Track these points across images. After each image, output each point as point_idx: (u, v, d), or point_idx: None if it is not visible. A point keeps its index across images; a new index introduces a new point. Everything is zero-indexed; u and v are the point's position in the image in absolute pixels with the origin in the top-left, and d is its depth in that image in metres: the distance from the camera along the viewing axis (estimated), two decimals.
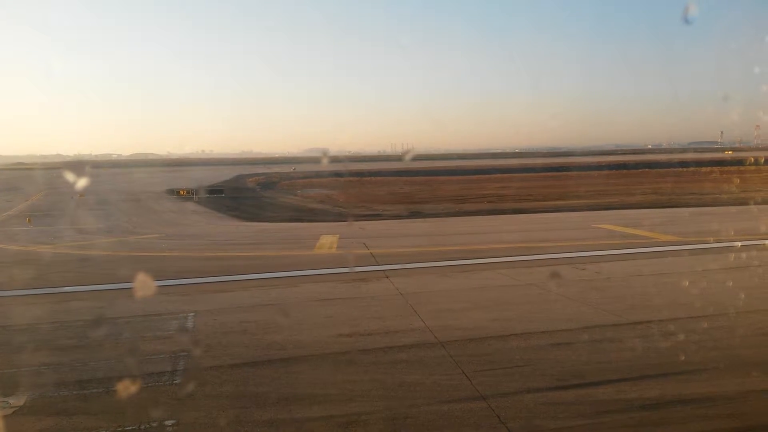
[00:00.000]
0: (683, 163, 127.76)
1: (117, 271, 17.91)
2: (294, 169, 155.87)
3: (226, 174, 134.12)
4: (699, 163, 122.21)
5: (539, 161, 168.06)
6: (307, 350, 9.25)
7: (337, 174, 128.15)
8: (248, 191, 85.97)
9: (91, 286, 15.11)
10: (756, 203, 36.15)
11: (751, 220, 27.41)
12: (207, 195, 70.50)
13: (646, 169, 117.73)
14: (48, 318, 11.56)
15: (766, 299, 12.08)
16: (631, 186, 73.72)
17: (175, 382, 7.97)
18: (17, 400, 7.38)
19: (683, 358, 8.54)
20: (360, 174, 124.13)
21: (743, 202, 38.52)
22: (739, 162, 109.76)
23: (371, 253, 19.12)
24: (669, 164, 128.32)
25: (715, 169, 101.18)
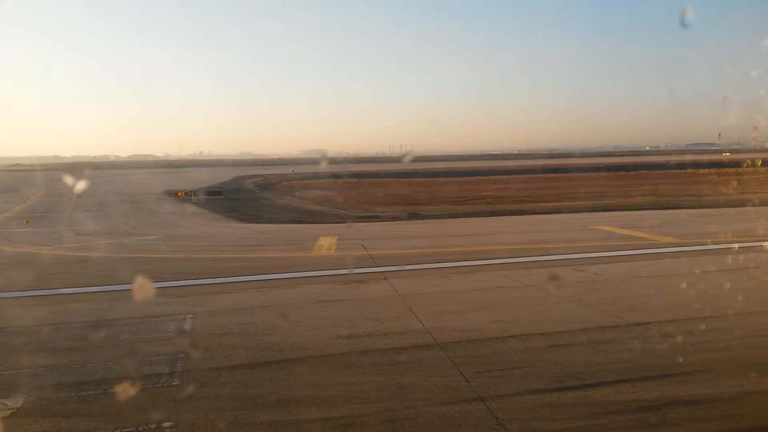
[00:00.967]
0: (681, 165, 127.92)
1: (115, 272, 17.90)
2: (293, 170, 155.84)
3: (224, 175, 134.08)
4: (697, 165, 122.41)
5: (538, 162, 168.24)
6: (306, 352, 9.24)
7: (336, 175, 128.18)
8: (247, 193, 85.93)
9: (89, 288, 15.09)
10: (753, 205, 36.20)
11: (749, 222, 27.46)
12: (205, 196, 70.46)
13: (645, 171, 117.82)
14: (46, 320, 11.54)
15: (764, 301, 12.08)
16: (629, 187, 73.77)
17: (173, 383, 7.96)
18: (15, 402, 7.36)
19: (682, 359, 8.54)
20: (358, 175, 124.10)
21: (741, 204, 38.58)
22: (737, 164, 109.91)
23: (370, 255, 19.12)
24: (667, 166, 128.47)
25: (713, 170, 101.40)
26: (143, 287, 14.08)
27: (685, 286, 13.48)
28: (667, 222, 28.16)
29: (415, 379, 7.94)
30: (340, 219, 44.06)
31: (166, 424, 6.72)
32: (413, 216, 44.15)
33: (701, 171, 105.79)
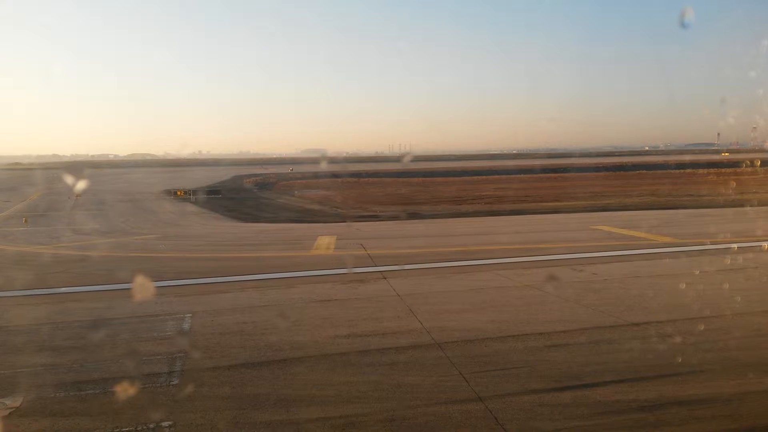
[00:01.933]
0: (680, 165, 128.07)
1: (114, 271, 17.88)
2: (291, 169, 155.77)
3: (223, 174, 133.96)
4: (696, 165, 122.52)
5: (537, 162, 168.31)
6: (305, 351, 9.24)
7: (335, 175, 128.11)
8: (245, 192, 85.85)
9: (88, 287, 15.08)
10: (752, 205, 36.24)
11: (747, 222, 27.50)
12: (204, 196, 70.39)
13: (643, 171, 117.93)
14: (45, 319, 11.54)
15: (762, 301, 12.10)
16: (628, 187, 73.81)
17: (172, 383, 7.96)
18: (14, 401, 7.36)
19: (680, 359, 8.56)
20: (357, 175, 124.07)
21: (739, 204, 38.63)
22: (736, 164, 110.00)
23: (368, 254, 19.12)
24: (666, 166, 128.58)
25: (712, 170, 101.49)
26: (142, 286, 14.08)
27: (683, 286, 13.49)
28: (665, 222, 28.19)
29: (414, 379, 7.95)
30: (339, 218, 44.04)
31: (164, 424, 6.72)
32: (412, 216, 44.14)
33: (700, 171, 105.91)
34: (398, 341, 9.63)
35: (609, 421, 6.66)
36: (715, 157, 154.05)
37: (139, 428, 6.61)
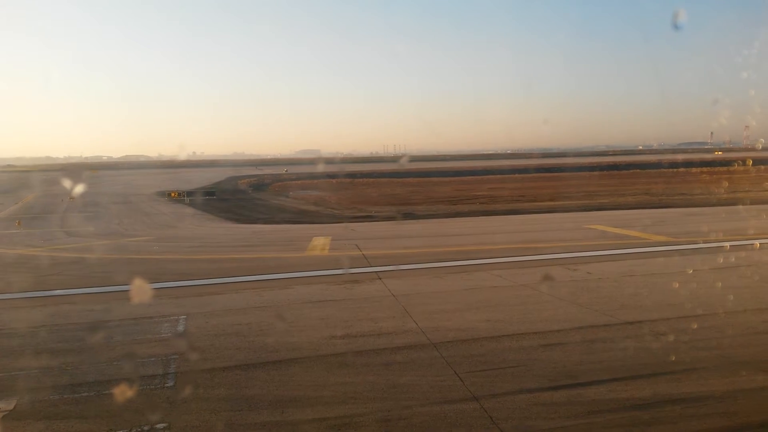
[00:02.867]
0: (674, 164, 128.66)
1: (107, 274, 17.84)
2: (286, 170, 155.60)
3: (217, 176, 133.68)
4: (689, 164, 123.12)
5: (532, 162, 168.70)
6: (300, 352, 9.23)
7: (330, 175, 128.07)
8: (240, 193, 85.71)
9: (82, 290, 15.01)
10: (744, 204, 36.45)
11: (740, 221, 27.65)
12: (198, 197, 70.24)
13: (637, 170, 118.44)
14: (39, 321, 11.49)
15: (755, 299, 12.17)
16: (622, 187, 74.13)
17: (167, 385, 7.94)
18: (7, 404, 7.32)
19: (674, 357, 8.60)
20: (352, 175, 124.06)
21: (732, 203, 38.84)
22: (729, 163, 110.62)
23: (363, 255, 19.12)
24: (660, 165, 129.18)
25: (705, 169, 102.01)
26: (136, 289, 14.03)
27: (677, 285, 13.56)
28: (659, 221, 28.30)
29: (410, 379, 7.96)
30: (334, 219, 44.05)
31: (159, 426, 6.71)
32: (407, 216, 44.19)
33: (693, 170, 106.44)
34: (394, 341, 9.64)
35: (603, 419, 6.69)
36: (709, 156, 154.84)
37: (134, 431, 6.59)
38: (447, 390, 7.58)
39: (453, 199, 65.74)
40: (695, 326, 10.07)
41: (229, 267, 19.06)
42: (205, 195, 72.74)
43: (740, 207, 34.76)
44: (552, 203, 51.70)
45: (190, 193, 72.65)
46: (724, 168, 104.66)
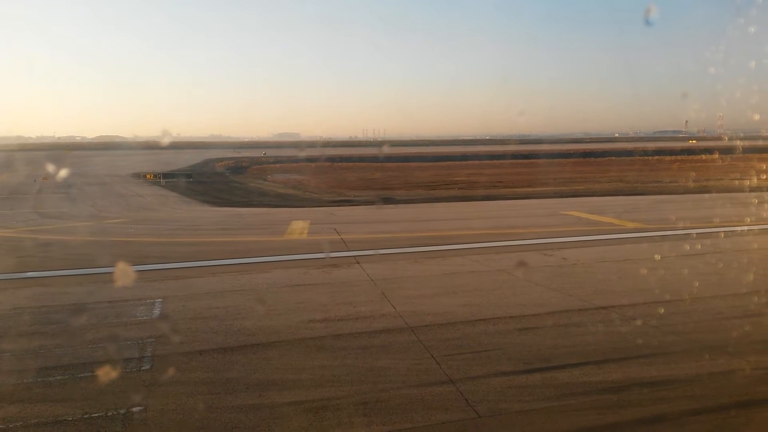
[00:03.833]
0: (648, 152, 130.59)
1: (82, 256, 17.57)
2: (264, 153, 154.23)
3: (194, 158, 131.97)
4: (663, 152, 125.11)
5: (509, 148, 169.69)
6: (278, 336, 9.25)
7: (309, 159, 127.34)
8: (217, 176, 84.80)
9: (56, 272, 14.78)
10: (717, 192, 37.22)
11: (712, 208, 28.26)
12: (175, 179, 69.31)
13: (613, 157, 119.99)
14: (10, 304, 11.30)
15: (725, 285, 12.50)
16: (598, 173, 75.03)
17: (143, 368, 7.90)
18: None
19: (645, 342, 8.82)
20: (331, 159, 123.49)
21: (705, 191, 39.63)
22: (704, 151, 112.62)
23: (342, 239, 19.13)
24: (635, 153, 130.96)
25: (679, 157, 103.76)
26: (111, 271, 13.86)
27: (649, 270, 13.85)
28: (633, 208, 28.78)
29: (388, 363, 8.04)
30: (312, 203, 43.86)
31: (136, 409, 6.69)
32: (386, 201, 44.19)
33: (667, 158, 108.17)
34: (371, 325, 9.71)
35: (576, 401, 6.85)
36: (683, 145, 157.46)
37: (109, 414, 6.56)
38: (424, 373, 7.68)
39: (431, 184, 65.89)
40: (665, 311, 10.32)
41: (206, 250, 18.90)
42: (182, 177, 71.81)
43: (712, 195, 35.48)
44: (529, 189, 52.16)
45: (166, 175, 71.65)
46: (698, 156, 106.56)
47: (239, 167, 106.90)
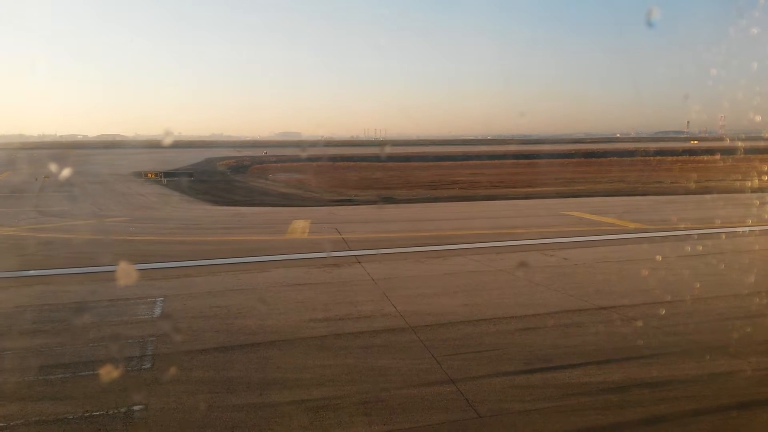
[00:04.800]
0: (649, 152, 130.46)
1: (83, 255, 17.60)
2: (266, 153, 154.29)
3: (195, 157, 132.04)
4: (664, 152, 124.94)
5: (511, 148, 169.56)
6: (279, 335, 9.25)
7: (310, 159, 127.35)
8: (219, 175, 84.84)
9: (57, 270, 14.79)
10: (718, 192, 37.17)
11: (714, 209, 28.22)
12: (176, 178, 69.34)
13: (615, 158, 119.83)
14: (11, 302, 11.31)
15: (726, 285, 12.48)
16: (600, 174, 74.96)
17: (143, 367, 7.91)
18: None
19: (646, 342, 8.81)
20: (332, 159, 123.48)
21: (706, 191, 39.58)
22: (706, 152, 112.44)
23: (343, 239, 19.13)
24: (637, 153, 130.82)
25: (680, 158, 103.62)
26: (113, 270, 13.87)
27: (651, 271, 13.83)
28: (635, 208, 28.76)
29: (388, 362, 8.04)
30: (313, 202, 43.87)
31: (136, 408, 6.69)
32: (387, 200, 44.20)
33: (669, 158, 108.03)
34: (372, 325, 9.71)
35: (576, 402, 6.84)
36: (684, 145, 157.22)
37: (110, 412, 6.56)
38: (424, 373, 7.67)
39: (433, 184, 65.88)
40: (666, 312, 10.31)
41: (207, 249, 18.92)
42: (183, 176, 71.82)
43: (713, 196, 35.42)
44: (530, 189, 52.14)
45: (168, 174, 71.68)
46: (700, 157, 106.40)
47: (241, 166, 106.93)
